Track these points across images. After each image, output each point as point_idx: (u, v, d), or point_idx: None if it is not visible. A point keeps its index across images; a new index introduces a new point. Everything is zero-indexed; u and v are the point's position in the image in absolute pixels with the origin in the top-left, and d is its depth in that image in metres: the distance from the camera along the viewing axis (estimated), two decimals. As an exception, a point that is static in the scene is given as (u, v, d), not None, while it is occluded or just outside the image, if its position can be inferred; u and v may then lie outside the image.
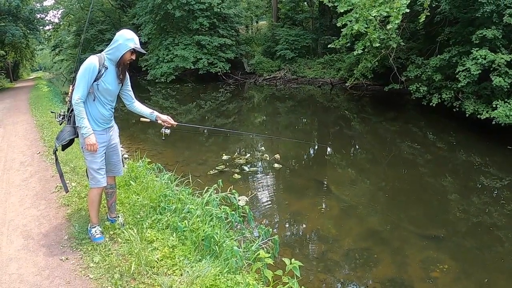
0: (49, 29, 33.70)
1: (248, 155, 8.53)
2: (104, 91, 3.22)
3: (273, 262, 3.22)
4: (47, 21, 29.54)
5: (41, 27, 27.94)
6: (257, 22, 32.48)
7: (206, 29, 23.35)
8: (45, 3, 28.10)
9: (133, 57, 3.25)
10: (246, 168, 7.81)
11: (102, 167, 3.32)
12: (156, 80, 24.33)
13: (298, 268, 2.92)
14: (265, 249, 3.55)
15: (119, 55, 3.17)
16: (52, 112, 3.84)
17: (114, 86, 3.29)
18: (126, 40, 3.15)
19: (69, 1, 30.09)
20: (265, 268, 3.14)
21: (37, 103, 14.09)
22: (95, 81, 3.15)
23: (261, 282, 3.08)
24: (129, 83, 3.50)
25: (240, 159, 8.21)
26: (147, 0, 22.73)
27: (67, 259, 3.24)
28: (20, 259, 3.31)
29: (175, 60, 21.87)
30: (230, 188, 4.48)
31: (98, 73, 3.14)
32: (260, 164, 8.06)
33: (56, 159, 3.52)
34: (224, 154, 8.44)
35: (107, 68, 3.19)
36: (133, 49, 3.18)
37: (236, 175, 7.22)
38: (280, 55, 23.94)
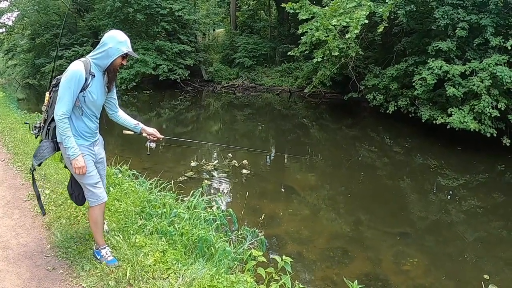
0: (2, 33, 31.63)
1: (216, 161, 8.59)
2: (90, 103, 2.81)
3: (262, 261, 3.34)
4: (0, 24, 27.84)
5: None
6: (214, 30, 32.46)
7: (165, 35, 23.03)
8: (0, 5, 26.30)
9: (124, 62, 2.87)
10: (215, 174, 7.89)
11: (99, 180, 2.98)
12: (116, 88, 23.50)
13: (289, 264, 3.05)
14: (252, 249, 3.65)
15: (110, 61, 2.76)
16: (26, 123, 3.60)
17: (101, 96, 2.90)
18: (119, 43, 2.74)
19: (24, 4, 28.40)
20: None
21: (-7, 109, 13.16)
22: (81, 91, 2.71)
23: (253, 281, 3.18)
24: (115, 91, 3.16)
25: (208, 165, 8.27)
26: (106, 3, 22.04)
27: (54, 269, 3.13)
28: (1, 271, 3.15)
29: (134, 66, 21.31)
30: (217, 192, 4.55)
31: (85, 82, 2.70)
32: (228, 170, 8.14)
33: (33, 180, 3.15)
34: (192, 161, 8.45)
35: (94, 76, 2.76)
36: (126, 53, 2.80)
37: (206, 181, 7.25)
38: (238, 62, 24.07)
